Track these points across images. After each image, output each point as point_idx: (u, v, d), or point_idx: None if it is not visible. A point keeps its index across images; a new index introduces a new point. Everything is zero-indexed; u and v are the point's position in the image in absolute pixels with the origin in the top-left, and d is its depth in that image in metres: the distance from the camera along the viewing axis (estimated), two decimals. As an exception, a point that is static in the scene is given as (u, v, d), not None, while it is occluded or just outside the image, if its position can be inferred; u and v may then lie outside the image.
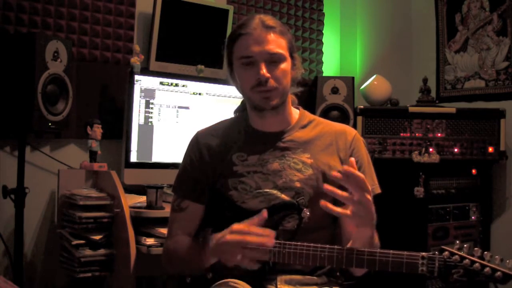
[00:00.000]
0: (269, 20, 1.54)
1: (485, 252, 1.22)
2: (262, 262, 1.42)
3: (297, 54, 1.60)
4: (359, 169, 1.57)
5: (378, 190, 1.60)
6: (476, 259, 1.21)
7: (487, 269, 1.19)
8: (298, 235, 1.46)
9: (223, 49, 1.63)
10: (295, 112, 1.66)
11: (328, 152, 1.59)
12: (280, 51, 1.52)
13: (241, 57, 1.53)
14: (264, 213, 1.37)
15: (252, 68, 1.51)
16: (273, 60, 1.51)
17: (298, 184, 1.53)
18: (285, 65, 1.53)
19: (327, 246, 1.36)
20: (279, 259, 1.39)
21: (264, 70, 1.49)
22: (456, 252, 1.23)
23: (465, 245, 1.23)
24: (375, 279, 1.38)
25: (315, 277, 1.53)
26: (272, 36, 1.51)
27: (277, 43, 1.51)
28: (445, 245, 1.25)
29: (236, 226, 1.37)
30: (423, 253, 1.25)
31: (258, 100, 1.54)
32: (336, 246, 1.36)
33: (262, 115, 1.58)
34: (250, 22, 1.53)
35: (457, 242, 1.26)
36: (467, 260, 1.21)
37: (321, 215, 1.55)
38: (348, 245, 1.39)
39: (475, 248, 1.23)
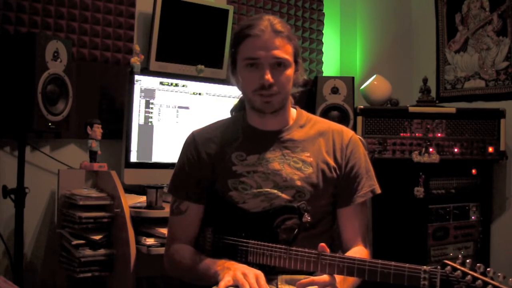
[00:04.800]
0: (278, 24, 1.52)
1: (488, 269, 1.18)
2: (262, 264, 1.43)
3: (301, 59, 1.60)
4: (354, 173, 1.58)
5: (378, 191, 1.61)
6: (479, 276, 1.18)
7: (489, 286, 1.16)
8: (298, 233, 1.46)
9: (230, 47, 1.60)
10: (293, 112, 1.67)
11: (326, 150, 1.60)
12: (286, 56, 1.51)
13: (247, 58, 1.52)
14: None
15: (256, 71, 1.51)
16: (279, 65, 1.51)
17: (298, 183, 1.53)
18: (290, 71, 1.53)
19: (329, 254, 1.36)
20: (281, 264, 1.40)
21: (269, 75, 1.49)
22: (458, 267, 1.20)
23: (467, 260, 1.21)
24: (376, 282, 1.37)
25: (315, 278, 1.53)
26: (279, 41, 1.50)
27: (284, 49, 1.51)
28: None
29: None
30: (425, 267, 1.24)
31: (259, 103, 1.54)
32: (338, 254, 1.36)
33: (261, 115, 1.58)
34: (259, 24, 1.51)
35: (460, 256, 1.23)
36: (469, 276, 1.18)
37: (321, 212, 1.57)
38: None
39: (478, 264, 1.20)
